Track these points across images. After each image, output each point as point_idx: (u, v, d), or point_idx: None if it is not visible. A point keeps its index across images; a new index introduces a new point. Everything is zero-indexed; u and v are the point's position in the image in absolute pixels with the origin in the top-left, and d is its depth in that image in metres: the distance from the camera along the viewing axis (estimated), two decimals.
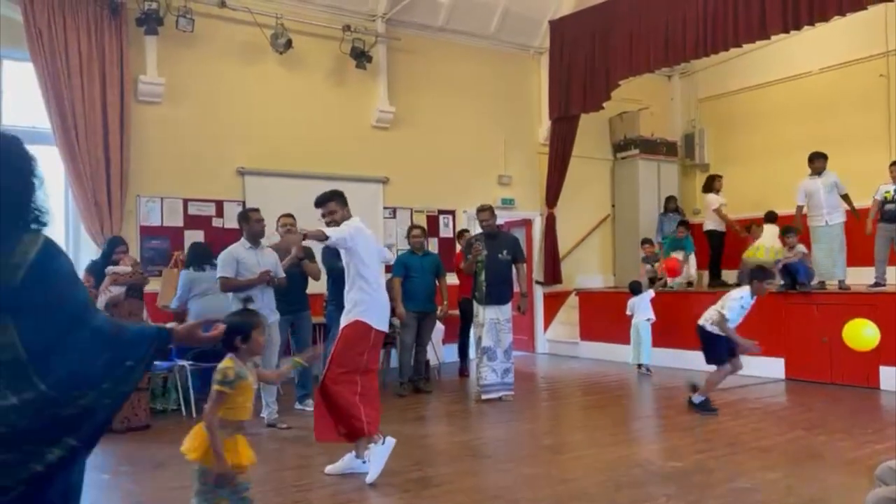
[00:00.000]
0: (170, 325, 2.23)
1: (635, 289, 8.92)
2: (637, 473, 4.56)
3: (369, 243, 4.65)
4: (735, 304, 6.14)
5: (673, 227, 10.64)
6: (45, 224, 1.95)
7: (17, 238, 1.86)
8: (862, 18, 9.57)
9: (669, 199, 11.15)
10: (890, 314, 7.22)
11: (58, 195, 7.93)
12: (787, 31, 7.93)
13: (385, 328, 4.68)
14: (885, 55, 9.81)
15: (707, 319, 6.23)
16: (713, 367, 6.40)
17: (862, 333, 4.92)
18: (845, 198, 8.30)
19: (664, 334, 8.85)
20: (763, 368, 8.18)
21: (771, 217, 9.98)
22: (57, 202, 7.93)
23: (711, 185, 10.61)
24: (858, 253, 8.29)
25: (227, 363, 2.87)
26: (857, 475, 4.36)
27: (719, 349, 6.23)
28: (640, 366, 8.66)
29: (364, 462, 4.56)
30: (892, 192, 8.00)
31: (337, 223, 4.64)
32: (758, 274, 6.22)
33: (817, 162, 8.45)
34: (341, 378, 4.48)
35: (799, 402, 7.01)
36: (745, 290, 6.19)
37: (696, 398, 6.31)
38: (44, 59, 7.35)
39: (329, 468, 4.64)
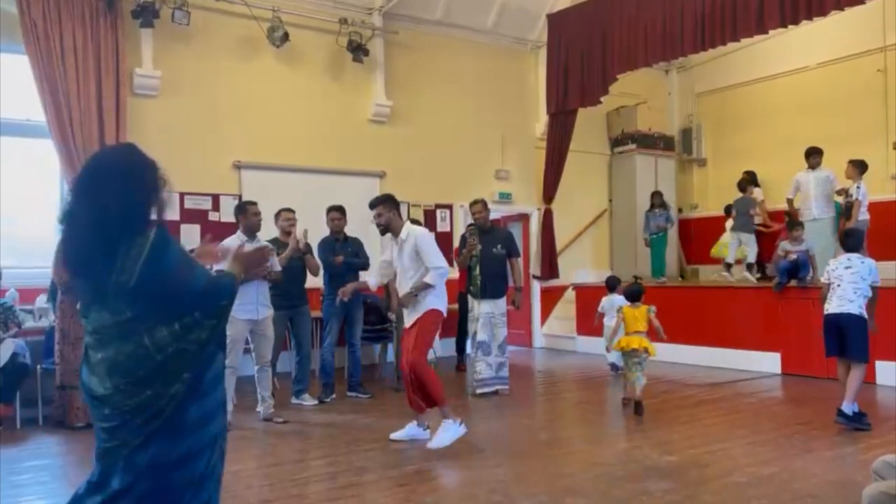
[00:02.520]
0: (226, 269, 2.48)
1: (612, 285, 8.44)
2: (632, 468, 4.57)
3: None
4: (876, 271, 5.63)
5: (659, 223, 10.46)
6: (163, 221, 2.20)
7: (132, 241, 2.09)
8: (860, 13, 9.57)
9: (655, 194, 10.78)
10: (885, 309, 7.23)
11: (53, 188, 7.92)
12: (785, 26, 7.91)
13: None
14: (882, 50, 9.81)
15: (855, 304, 5.51)
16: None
17: None
18: (841, 192, 8.28)
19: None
20: (759, 363, 8.21)
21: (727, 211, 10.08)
22: (52, 195, 7.91)
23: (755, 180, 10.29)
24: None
25: None
26: (853, 470, 4.37)
27: (868, 337, 5.57)
28: (616, 367, 8.04)
29: (426, 429, 5.21)
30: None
31: (383, 226, 5.22)
32: (858, 235, 5.95)
33: (813, 157, 8.49)
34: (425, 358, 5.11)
35: (795, 397, 7.03)
36: (860, 256, 5.69)
37: (848, 407, 5.51)
38: (38, 51, 7.29)
39: (394, 435, 5.29)
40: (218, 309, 2.25)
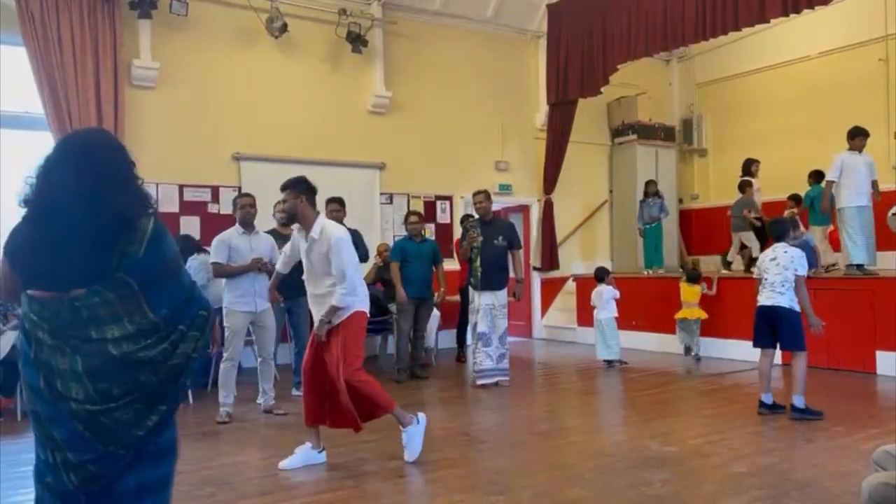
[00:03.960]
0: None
1: (600, 276, 8.44)
2: (633, 458, 4.56)
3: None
4: (804, 259, 5.56)
5: (653, 214, 10.36)
6: (154, 208, 2.21)
7: (139, 222, 2.12)
8: (861, 3, 9.54)
9: (649, 183, 10.62)
10: (886, 299, 7.23)
11: None
12: (786, 15, 7.86)
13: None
14: (884, 39, 9.76)
15: (785, 297, 5.50)
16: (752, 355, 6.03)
17: None
18: (874, 183, 7.93)
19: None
20: (759, 354, 8.19)
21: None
22: None
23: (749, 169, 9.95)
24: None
25: None
26: (854, 460, 4.36)
27: (802, 327, 5.55)
28: (608, 362, 8.18)
29: (321, 451, 4.58)
30: None
31: (287, 213, 4.57)
32: (783, 224, 5.83)
33: (860, 138, 7.82)
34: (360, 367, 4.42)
35: None
36: (787, 245, 5.66)
37: (799, 401, 5.51)
38: (36, 43, 7.27)
39: (284, 464, 4.50)
40: (198, 319, 2.21)
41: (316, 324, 4.46)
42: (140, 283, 2.07)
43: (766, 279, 5.67)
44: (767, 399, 5.69)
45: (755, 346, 5.85)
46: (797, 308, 5.57)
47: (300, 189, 4.47)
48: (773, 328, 5.65)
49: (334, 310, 4.34)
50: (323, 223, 4.46)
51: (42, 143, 7.48)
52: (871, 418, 5.55)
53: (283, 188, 4.52)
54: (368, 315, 4.58)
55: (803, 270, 5.56)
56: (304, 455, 4.55)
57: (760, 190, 10.08)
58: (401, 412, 4.53)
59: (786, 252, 5.59)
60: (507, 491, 4.01)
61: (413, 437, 4.54)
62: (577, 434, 5.45)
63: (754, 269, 6.05)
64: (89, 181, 2.06)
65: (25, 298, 2.10)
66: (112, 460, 2.06)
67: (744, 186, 9.66)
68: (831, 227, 8.97)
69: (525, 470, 4.43)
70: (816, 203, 8.78)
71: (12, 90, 7.44)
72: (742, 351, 8.30)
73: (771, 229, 5.89)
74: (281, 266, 4.97)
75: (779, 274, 5.56)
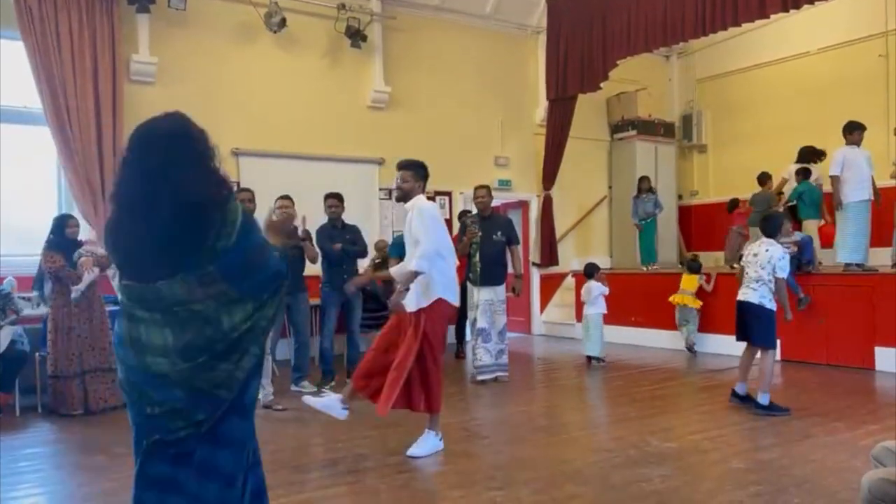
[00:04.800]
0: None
1: (590, 272, 8.32)
2: (632, 454, 4.57)
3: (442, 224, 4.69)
4: (785, 261, 5.52)
5: (647, 209, 10.31)
6: (234, 191, 2.10)
7: (226, 207, 2.04)
8: None
9: (642, 179, 10.52)
10: (885, 295, 7.24)
11: (50, 176, 7.88)
12: (786, 11, 7.85)
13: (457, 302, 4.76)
14: (884, 35, 9.75)
15: (756, 294, 5.52)
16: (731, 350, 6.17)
17: None
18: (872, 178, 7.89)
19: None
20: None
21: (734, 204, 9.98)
22: (49, 183, 7.88)
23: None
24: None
25: None
26: (852, 456, 4.37)
27: (773, 326, 5.61)
28: (590, 358, 8.09)
29: (345, 409, 4.67)
30: None
31: (404, 193, 4.68)
32: (775, 221, 5.76)
33: (858, 132, 7.79)
34: (439, 355, 4.61)
35: (794, 383, 7.02)
36: (773, 244, 5.57)
37: (763, 398, 5.54)
38: (34, 37, 7.24)
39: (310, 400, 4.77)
40: (280, 288, 2.20)
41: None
42: (230, 277, 2.01)
43: (746, 273, 5.70)
44: (741, 389, 5.80)
45: (737, 339, 5.91)
46: (769, 305, 5.56)
47: (420, 173, 4.70)
48: (744, 323, 5.70)
49: (411, 274, 4.42)
50: (416, 199, 4.63)
51: (40, 139, 7.47)
52: (870, 414, 5.56)
53: (403, 168, 4.71)
54: (454, 306, 4.68)
55: (783, 273, 5.52)
56: (329, 404, 4.66)
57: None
58: (438, 418, 4.72)
59: (767, 251, 5.55)
60: (507, 486, 4.01)
61: (428, 442, 4.66)
62: (577, 430, 5.46)
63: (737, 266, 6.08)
64: (167, 170, 1.98)
65: (120, 285, 2.12)
66: (202, 402, 2.03)
67: (764, 178, 9.63)
68: (822, 222, 8.98)
69: (524, 465, 4.43)
70: (806, 197, 8.80)
71: (10, 85, 7.41)
72: (740, 347, 8.32)
73: (762, 225, 5.82)
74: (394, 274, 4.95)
75: (755, 271, 5.57)
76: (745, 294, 5.64)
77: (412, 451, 4.62)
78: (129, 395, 2.09)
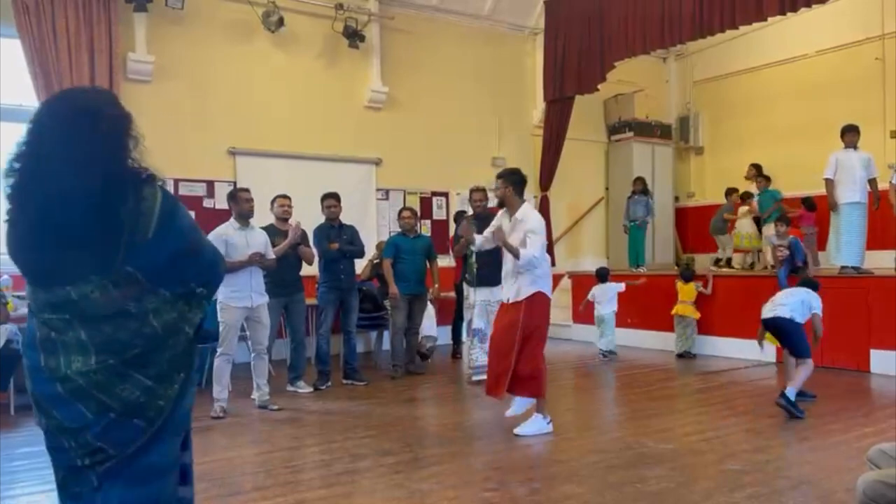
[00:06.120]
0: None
1: (602, 275, 8.81)
2: (628, 455, 4.57)
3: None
4: (818, 301, 5.86)
5: (638, 213, 10.31)
6: (158, 178, 1.87)
7: (140, 194, 1.78)
8: (858, 2, 9.54)
9: (637, 180, 10.50)
10: (880, 298, 7.25)
11: None
12: (783, 13, 7.85)
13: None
14: (881, 38, 9.77)
15: (786, 308, 5.75)
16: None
17: None
18: (872, 182, 7.87)
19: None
20: (754, 351, 8.19)
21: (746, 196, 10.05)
22: None
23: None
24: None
25: None
26: (848, 458, 4.37)
27: (804, 337, 5.80)
28: (604, 353, 8.53)
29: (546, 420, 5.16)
30: None
31: (499, 199, 5.21)
32: (815, 284, 6.05)
33: (850, 135, 7.85)
34: (542, 343, 5.15)
35: None
36: (810, 292, 5.92)
37: (790, 392, 5.59)
38: (31, 35, 7.22)
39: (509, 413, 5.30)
40: (214, 286, 1.97)
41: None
42: (150, 274, 1.76)
43: (774, 299, 5.91)
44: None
45: (782, 346, 6.13)
46: (799, 320, 5.73)
47: (510, 180, 5.13)
48: (777, 336, 5.93)
49: (518, 250, 4.91)
50: (526, 209, 5.15)
51: None
52: (866, 416, 5.57)
53: (499, 177, 5.21)
54: (550, 298, 5.18)
55: (818, 310, 5.79)
56: (535, 427, 5.12)
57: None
58: (545, 403, 5.19)
59: (808, 293, 5.83)
60: (502, 487, 4.00)
61: (536, 424, 5.08)
62: (572, 430, 5.45)
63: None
64: (67, 150, 1.71)
65: (28, 288, 1.88)
66: (112, 428, 1.76)
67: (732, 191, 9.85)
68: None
69: (520, 466, 4.43)
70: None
71: (7, 83, 7.39)
72: (736, 349, 8.35)
73: (803, 280, 6.27)
74: (481, 243, 5.42)
75: (788, 299, 5.80)
76: (773, 311, 5.79)
77: (519, 430, 5.04)
78: (37, 415, 1.84)
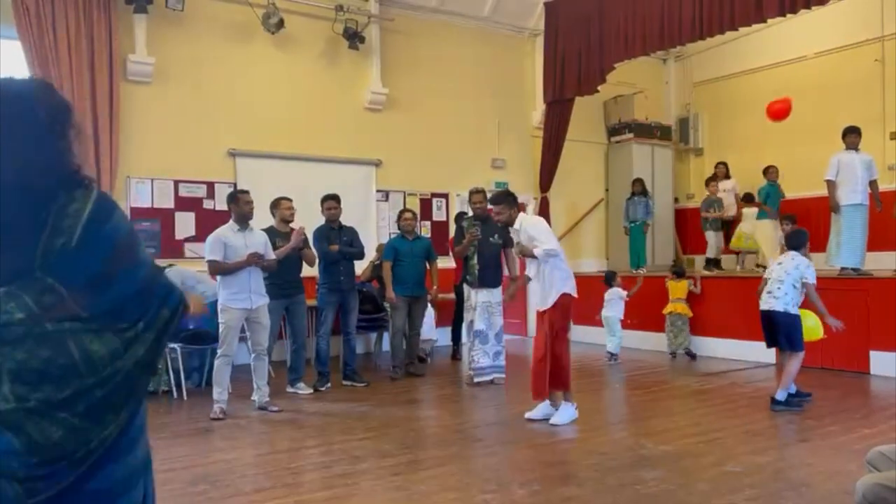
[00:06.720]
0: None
1: (609, 279, 8.87)
2: (626, 457, 4.57)
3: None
4: (811, 269, 5.75)
5: (638, 214, 10.37)
6: (90, 180, 1.60)
7: (70, 196, 1.52)
8: (858, 3, 9.54)
9: (636, 181, 10.62)
10: (880, 300, 7.25)
11: None
12: (783, 15, 7.85)
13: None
14: (880, 40, 9.78)
15: (780, 301, 5.70)
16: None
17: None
18: (873, 184, 7.88)
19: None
20: (753, 353, 8.21)
21: (749, 198, 10.06)
22: None
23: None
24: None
25: None
26: (847, 460, 4.37)
27: (800, 330, 5.78)
28: (612, 354, 8.54)
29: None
30: None
31: (503, 223, 5.78)
32: (802, 236, 6.01)
33: (851, 136, 7.86)
34: (567, 341, 5.64)
35: None
36: (798, 255, 5.83)
37: (780, 395, 5.73)
38: (31, 36, 7.23)
39: (529, 414, 5.66)
40: (157, 319, 1.60)
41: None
42: (73, 287, 1.47)
43: (768, 282, 5.90)
44: (781, 396, 5.83)
45: (767, 347, 6.16)
46: (793, 311, 5.76)
47: (510, 203, 5.66)
48: (772, 330, 5.86)
49: (531, 251, 5.40)
50: (520, 217, 5.66)
51: None
52: (865, 418, 5.57)
53: (496, 203, 5.70)
54: (572, 296, 5.52)
55: (811, 279, 5.75)
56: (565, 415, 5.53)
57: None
58: (571, 393, 5.62)
59: (793, 259, 5.82)
60: (502, 489, 4.01)
61: (567, 412, 5.50)
62: (571, 432, 5.45)
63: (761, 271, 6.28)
64: (15, 139, 1.50)
65: None
66: (50, 475, 1.45)
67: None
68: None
69: (519, 468, 4.44)
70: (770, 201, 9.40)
71: None
72: (733, 350, 8.36)
73: (788, 239, 6.19)
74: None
75: (779, 279, 5.77)
76: (768, 303, 5.81)
77: (554, 419, 5.44)
78: None
